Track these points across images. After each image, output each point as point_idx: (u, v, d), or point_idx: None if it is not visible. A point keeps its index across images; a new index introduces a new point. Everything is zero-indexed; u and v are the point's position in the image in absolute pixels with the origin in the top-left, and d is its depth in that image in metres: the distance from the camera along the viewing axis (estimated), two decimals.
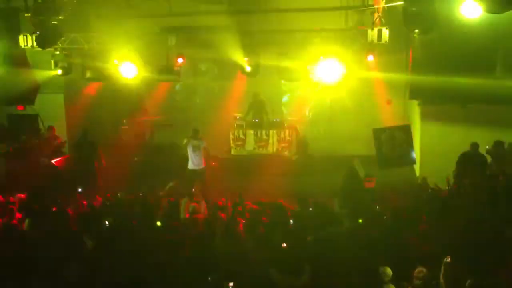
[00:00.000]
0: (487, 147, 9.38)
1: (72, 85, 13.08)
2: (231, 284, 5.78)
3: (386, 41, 9.92)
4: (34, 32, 10.27)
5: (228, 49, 12.69)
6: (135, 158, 12.77)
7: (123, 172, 11.83)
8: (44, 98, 12.75)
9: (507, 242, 6.02)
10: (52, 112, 13.03)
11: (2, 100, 12.19)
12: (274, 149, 13.20)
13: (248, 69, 11.32)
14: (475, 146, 9.42)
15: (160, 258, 6.57)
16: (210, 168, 11.07)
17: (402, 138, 10.87)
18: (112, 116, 14.15)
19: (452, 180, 8.86)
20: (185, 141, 10.46)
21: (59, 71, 11.77)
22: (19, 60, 11.90)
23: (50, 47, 11.00)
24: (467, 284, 4.95)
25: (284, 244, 6.55)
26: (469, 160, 9.31)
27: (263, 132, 13.29)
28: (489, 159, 9.43)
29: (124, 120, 13.42)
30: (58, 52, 11.39)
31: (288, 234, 7.19)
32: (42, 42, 10.30)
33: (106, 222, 8.16)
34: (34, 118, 12.89)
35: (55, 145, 12.23)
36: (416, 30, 8.33)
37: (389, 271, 5.55)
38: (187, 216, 8.58)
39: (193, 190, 9.77)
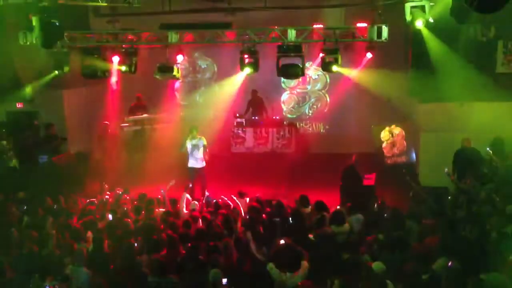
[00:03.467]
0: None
1: (72, 82, 13.07)
2: (224, 280, 5.79)
3: (385, 39, 9.91)
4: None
5: (228, 46, 12.69)
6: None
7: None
8: (44, 95, 12.75)
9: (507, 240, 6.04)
10: (52, 109, 13.03)
11: None
12: (274, 147, 13.20)
13: (247, 66, 11.28)
14: (466, 142, 9.36)
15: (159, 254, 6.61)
16: (210, 165, 11.02)
17: (402, 135, 10.87)
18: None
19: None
20: (183, 143, 10.44)
21: (56, 71, 11.79)
22: None
23: (53, 46, 10.98)
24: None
25: (282, 241, 6.57)
26: (464, 157, 9.29)
27: (263, 129, 13.29)
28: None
29: (125, 118, 13.43)
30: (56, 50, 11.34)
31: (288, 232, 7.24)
32: (46, 42, 10.26)
33: (110, 216, 8.18)
34: (33, 115, 12.88)
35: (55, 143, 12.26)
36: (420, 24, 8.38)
37: (381, 266, 5.58)
38: (184, 212, 8.59)
39: (190, 186, 9.79)
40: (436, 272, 5.47)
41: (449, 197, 8.38)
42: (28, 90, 12.68)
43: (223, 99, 14.54)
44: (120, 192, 9.62)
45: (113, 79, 12.32)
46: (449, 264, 5.36)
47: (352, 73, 12.21)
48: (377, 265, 5.64)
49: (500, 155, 9.22)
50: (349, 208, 8.20)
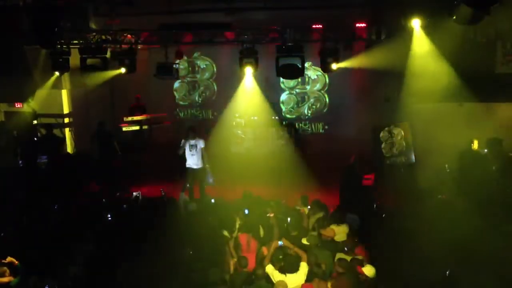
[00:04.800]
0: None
1: (72, 82, 13.08)
2: None
3: (384, 38, 9.93)
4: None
5: (227, 46, 12.70)
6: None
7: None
8: (44, 95, 12.75)
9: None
10: (51, 109, 13.04)
11: None
12: (273, 147, 13.19)
13: (246, 66, 11.28)
14: (473, 143, 9.46)
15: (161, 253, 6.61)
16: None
17: (401, 136, 10.86)
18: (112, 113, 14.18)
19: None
20: (181, 143, 10.41)
21: (57, 72, 11.80)
22: None
23: (52, 47, 10.98)
24: None
25: (281, 242, 6.56)
26: (469, 158, 9.32)
27: (262, 130, 13.28)
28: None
29: (124, 118, 13.40)
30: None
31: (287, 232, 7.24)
32: (44, 42, 10.26)
33: (109, 216, 8.18)
34: (32, 115, 12.88)
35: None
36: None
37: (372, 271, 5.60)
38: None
39: (187, 186, 9.79)
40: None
41: None
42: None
43: (223, 99, 14.59)
44: (118, 193, 9.63)
45: None
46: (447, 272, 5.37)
47: (351, 72, 12.21)
48: (368, 270, 5.65)
49: (498, 156, 9.24)
50: (348, 208, 8.21)
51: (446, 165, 8.80)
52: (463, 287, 5.24)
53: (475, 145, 9.58)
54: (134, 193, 9.47)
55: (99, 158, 11.74)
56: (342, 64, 11.13)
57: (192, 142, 10.28)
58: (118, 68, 11.85)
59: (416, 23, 8.87)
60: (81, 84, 13.03)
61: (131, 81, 13.04)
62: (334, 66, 10.75)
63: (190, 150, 10.26)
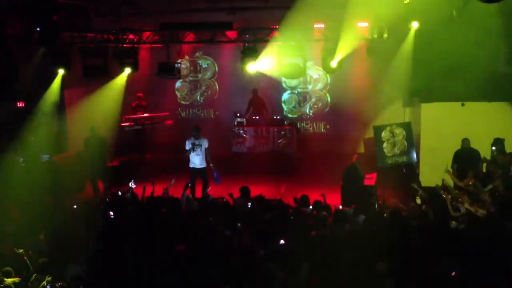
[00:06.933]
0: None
1: (73, 82, 13.08)
2: None
3: (386, 37, 9.91)
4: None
5: (229, 46, 12.70)
6: None
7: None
8: (46, 95, 12.76)
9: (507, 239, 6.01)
10: (53, 107, 13.04)
11: None
12: (275, 147, 13.19)
13: (248, 66, 11.28)
14: (466, 142, 9.41)
15: (159, 253, 6.59)
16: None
17: (402, 135, 10.84)
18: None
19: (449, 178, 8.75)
20: (187, 144, 10.36)
21: (61, 71, 11.81)
22: None
23: (51, 44, 10.99)
24: None
25: (282, 241, 6.55)
26: (462, 157, 9.29)
27: (264, 129, 13.27)
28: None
29: (124, 117, 13.38)
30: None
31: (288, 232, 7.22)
32: (43, 39, 10.29)
33: (111, 213, 8.16)
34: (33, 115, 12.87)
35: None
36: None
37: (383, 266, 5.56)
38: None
39: (189, 185, 9.78)
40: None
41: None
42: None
43: (224, 99, 14.59)
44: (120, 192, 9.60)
45: None
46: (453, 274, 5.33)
47: (353, 71, 12.18)
48: (379, 265, 5.62)
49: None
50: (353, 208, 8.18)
51: (447, 165, 8.75)
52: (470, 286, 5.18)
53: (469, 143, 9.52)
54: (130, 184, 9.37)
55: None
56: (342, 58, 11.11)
57: (197, 141, 10.27)
58: (120, 69, 11.86)
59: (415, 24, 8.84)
60: (82, 83, 13.03)
61: (132, 80, 13.03)
62: (334, 64, 10.75)
63: (195, 150, 10.25)
